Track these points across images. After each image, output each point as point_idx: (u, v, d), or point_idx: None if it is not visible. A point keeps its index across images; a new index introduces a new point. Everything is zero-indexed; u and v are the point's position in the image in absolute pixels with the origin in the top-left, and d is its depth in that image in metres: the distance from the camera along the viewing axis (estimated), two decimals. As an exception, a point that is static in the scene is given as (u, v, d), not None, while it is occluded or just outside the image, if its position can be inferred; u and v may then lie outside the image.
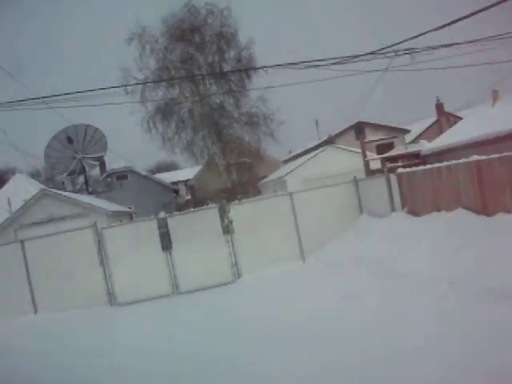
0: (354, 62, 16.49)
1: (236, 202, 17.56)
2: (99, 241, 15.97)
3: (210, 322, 11.43)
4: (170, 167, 63.56)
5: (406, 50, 15.61)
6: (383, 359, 7.06)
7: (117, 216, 27.61)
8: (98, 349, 10.62)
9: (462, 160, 12.42)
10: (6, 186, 39.57)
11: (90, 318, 14.31)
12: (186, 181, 51.31)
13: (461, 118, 31.71)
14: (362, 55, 16.34)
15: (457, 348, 6.95)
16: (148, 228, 16.39)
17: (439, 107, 32.92)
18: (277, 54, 31.55)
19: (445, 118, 31.30)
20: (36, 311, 15.63)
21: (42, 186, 32.84)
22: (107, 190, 40.82)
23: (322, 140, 37.43)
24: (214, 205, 17.55)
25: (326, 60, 16.33)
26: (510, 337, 6.88)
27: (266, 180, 34.81)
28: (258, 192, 34.06)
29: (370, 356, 7.28)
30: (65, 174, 36.64)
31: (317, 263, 15.28)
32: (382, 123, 37.66)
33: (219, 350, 9.02)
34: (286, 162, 42.51)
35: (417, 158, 19.51)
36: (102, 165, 42.95)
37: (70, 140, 35.45)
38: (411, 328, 8.09)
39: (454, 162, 12.81)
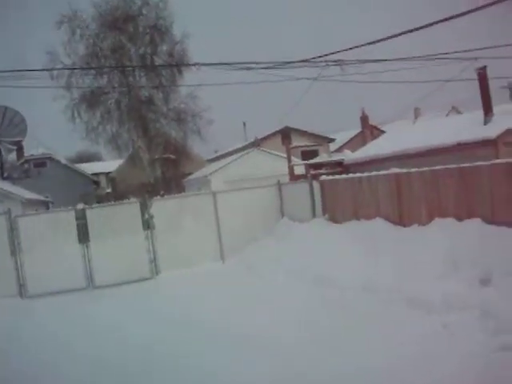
0: (286, 68, 16.74)
1: (158, 197, 17.32)
2: (12, 229, 15.28)
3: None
4: (92, 158, 61.80)
5: (336, 61, 15.98)
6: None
7: (32, 204, 26.59)
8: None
9: (382, 172, 12.91)
10: None
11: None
12: (108, 173, 50.14)
13: (384, 132, 32.88)
14: (294, 62, 16.60)
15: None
16: (65, 219, 15.78)
17: (364, 119, 33.74)
18: (211, 51, 31.37)
19: (369, 130, 32.16)
20: None
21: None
22: (24, 177, 39.19)
23: (248, 142, 37.63)
24: (135, 199, 17.20)
25: (259, 63, 16.49)
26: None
27: (190, 177, 34.62)
28: (181, 189, 33.82)
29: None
30: (-22, 157, 34.89)
31: (236, 264, 15.27)
32: (309, 130, 38.34)
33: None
34: (211, 161, 42.43)
35: (340, 166, 20.05)
36: (20, 150, 41.19)
37: (-14, 122, 33.78)
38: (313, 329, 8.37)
39: (374, 173, 13.28)
